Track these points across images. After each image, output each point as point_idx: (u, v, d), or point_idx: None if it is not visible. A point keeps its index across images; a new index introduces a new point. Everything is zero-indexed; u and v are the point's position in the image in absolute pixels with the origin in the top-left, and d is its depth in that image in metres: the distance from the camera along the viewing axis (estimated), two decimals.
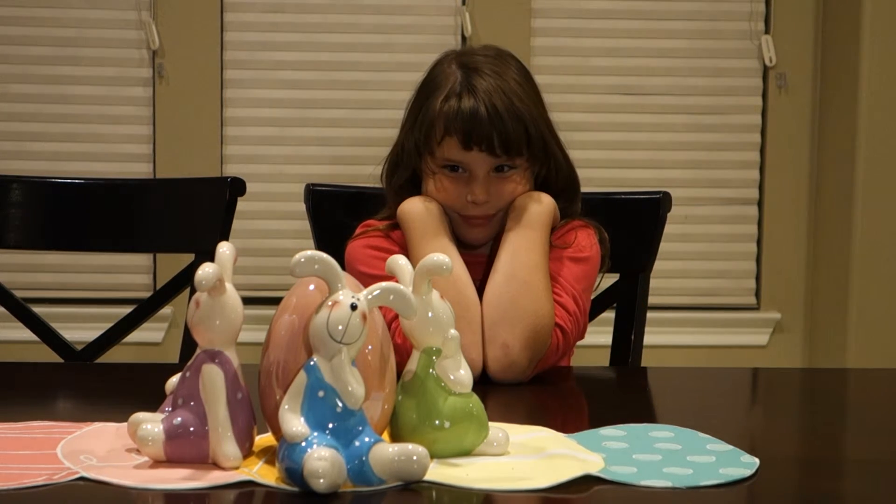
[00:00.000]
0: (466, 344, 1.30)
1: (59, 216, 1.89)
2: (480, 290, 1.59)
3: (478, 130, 1.54)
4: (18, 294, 1.90)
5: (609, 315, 1.84)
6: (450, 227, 1.60)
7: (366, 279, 1.06)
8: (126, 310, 1.89)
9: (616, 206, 1.81)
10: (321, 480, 0.92)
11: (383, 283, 1.01)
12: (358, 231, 1.65)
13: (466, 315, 1.47)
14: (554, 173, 1.62)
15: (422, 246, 1.55)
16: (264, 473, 0.98)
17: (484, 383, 1.43)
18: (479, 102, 1.54)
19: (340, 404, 0.96)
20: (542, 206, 1.58)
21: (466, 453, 1.05)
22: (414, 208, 1.59)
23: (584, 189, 1.69)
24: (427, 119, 1.58)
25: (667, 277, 3.25)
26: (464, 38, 3.26)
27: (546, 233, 1.57)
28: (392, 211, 1.63)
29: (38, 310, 1.90)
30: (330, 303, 0.97)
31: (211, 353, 1.01)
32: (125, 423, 1.06)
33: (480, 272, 1.60)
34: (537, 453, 1.06)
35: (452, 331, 1.06)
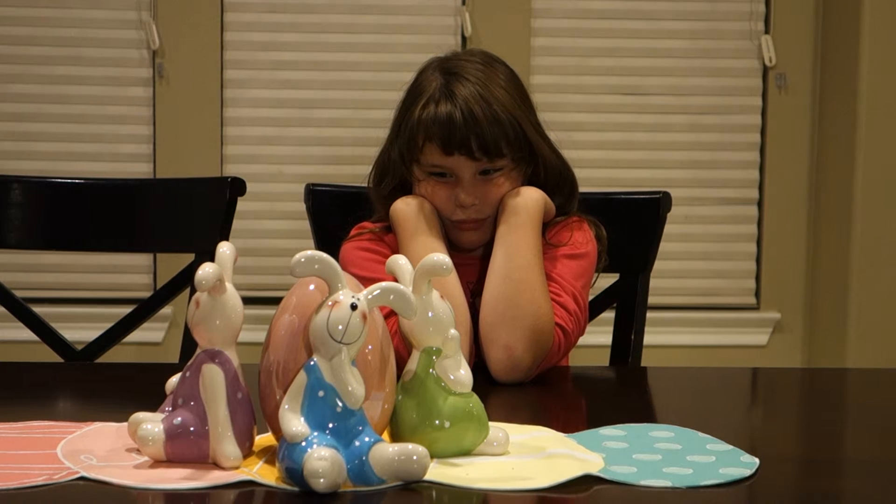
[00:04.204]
0: None
1: (59, 216, 1.89)
2: (473, 290, 1.59)
3: (455, 135, 1.54)
4: (18, 294, 1.90)
5: (609, 315, 1.84)
6: (441, 227, 1.60)
7: (358, 281, 1.06)
8: (126, 310, 1.89)
9: (616, 206, 1.81)
10: (321, 480, 0.92)
11: (383, 283, 1.01)
12: (352, 233, 1.65)
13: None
14: (543, 172, 1.63)
15: (411, 245, 1.55)
16: (264, 473, 0.99)
17: (484, 383, 1.43)
18: (455, 107, 1.55)
19: (340, 404, 0.96)
20: (531, 200, 1.58)
21: (466, 453, 1.05)
22: (406, 207, 1.59)
23: (583, 189, 1.69)
24: (408, 127, 1.59)
25: (667, 277, 3.25)
26: (464, 38, 3.26)
27: (538, 227, 1.57)
28: (383, 214, 1.63)
29: (38, 310, 1.90)
30: (330, 303, 0.97)
31: (211, 352, 1.01)
32: (125, 423, 1.06)
33: (474, 273, 1.60)
34: (537, 453, 1.06)
35: (452, 331, 1.06)
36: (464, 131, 1.54)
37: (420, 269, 1.06)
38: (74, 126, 3.25)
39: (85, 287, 3.27)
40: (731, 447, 1.09)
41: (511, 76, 1.63)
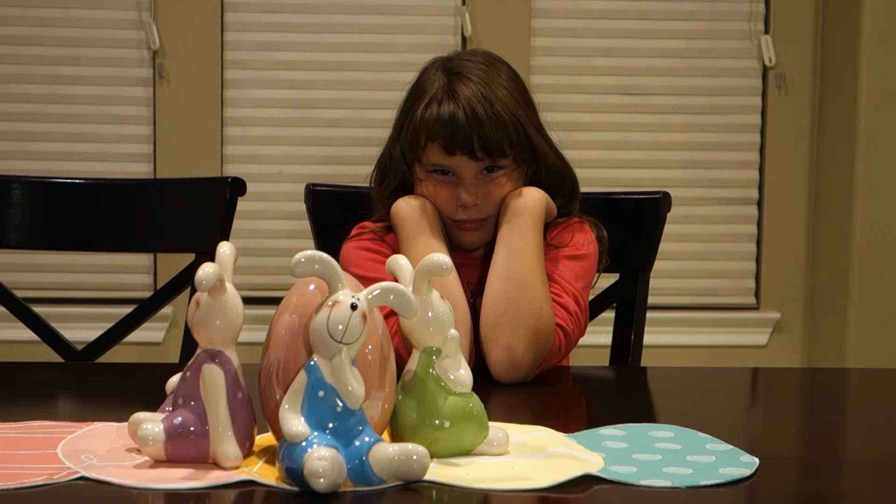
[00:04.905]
0: None
1: (59, 216, 1.89)
2: (474, 291, 1.59)
3: (458, 135, 1.54)
4: (19, 294, 1.90)
5: (609, 315, 1.84)
6: (442, 227, 1.60)
7: (359, 280, 1.06)
8: (126, 309, 1.89)
9: (616, 206, 1.81)
10: (321, 480, 0.92)
11: (383, 283, 1.01)
12: (353, 233, 1.65)
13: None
14: (544, 173, 1.63)
15: (412, 245, 1.55)
16: (264, 473, 0.99)
17: (484, 383, 1.43)
18: (458, 107, 1.55)
19: (340, 404, 0.96)
20: (533, 200, 1.58)
21: (466, 453, 1.05)
22: (407, 207, 1.59)
23: (583, 189, 1.69)
24: (411, 127, 1.59)
25: (667, 277, 3.25)
26: (464, 38, 3.26)
27: (539, 228, 1.57)
28: (384, 214, 1.63)
29: (38, 310, 1.90)
30: (330, 302, 0.97)
31: (211, 352, 1.01)
32: (125, 423, 1.06)
33: (475, 273, 1.60)
34: (537, 453, 1.06)
35: (452, 331, 1.06)
36: (466, 131, 1.54)
37: (420, 269, 1.06)
38: (75, 126, 3.25)
39: (85, 287, 3.27)
40: (730, 447, 1.09)
41: (513, 76, 1.63)
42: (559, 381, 1.52)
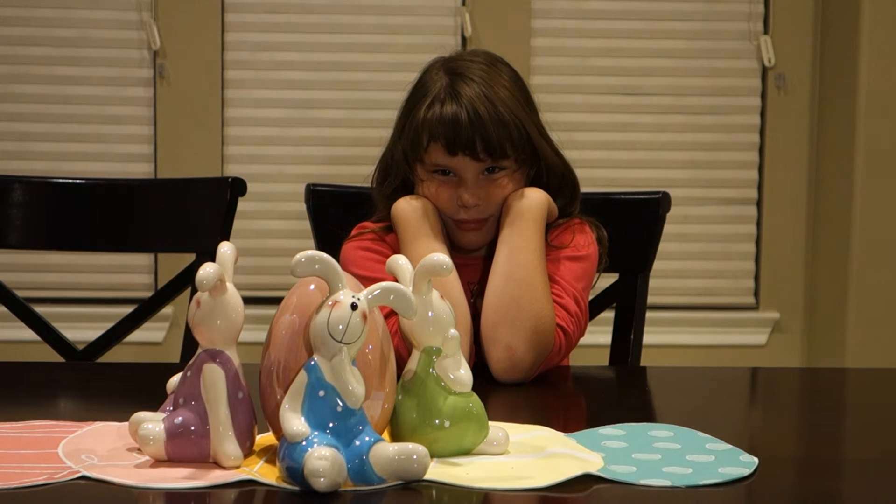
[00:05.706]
0: None
1: (60, 216, 1.89)
2: (475, 291, 1.59)
3: (460, 136, 1.54)
4: (20, 294, 1.90)
5: (609, 315, 1.84)
6: (443, 227, 1.60)
7: (359, 280, 1.07)
8: (127, 309, 1.89)
9: (616, 206, 1.81)
10: (322, 479, 0.93)
11: (383, 283, 1.01)
12: (353, 233, 1.65)
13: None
14: (545, 174, 1.63)
15: (413, 246, 1.55)
16: (265, 473, 0.99)
17: (485, 383, 1.43)
18: (461, 108, 1.55)
19: (341, 404, 0.97)
20: (535, 201, 1.58)
21: (466, 452, 1.06)
22: (408, 207, 1.59)
23: (584, 189, 1.69)
24: (413, 127, 1.58)
25: (666, 277, 3.25)
26: (464, 38, 3.27)
27: (541, 228, 1.57)
28: (385, 214, 1.63)
29: (39, 309, 1.90)
30: (330, 302, 0.97)
31: (212, 352, 1.02)
32: (126, 423, 1.06)
33: (476, 273, 1.60)
34: (537, 452, 1.06)
35: (452, 330, 1.07)
36: (469, 132, 1.54)
37: (420, 269, 1.06)
38: (75, 126, 3.25)
39: (86, 287, 3.28)
40: (730, 447, 1.10)
41: (515, 77, 1.63)
42: (559, 381, 1.52)
